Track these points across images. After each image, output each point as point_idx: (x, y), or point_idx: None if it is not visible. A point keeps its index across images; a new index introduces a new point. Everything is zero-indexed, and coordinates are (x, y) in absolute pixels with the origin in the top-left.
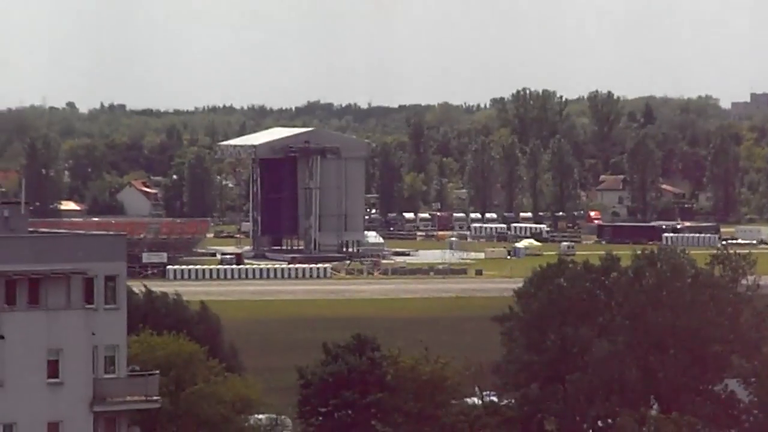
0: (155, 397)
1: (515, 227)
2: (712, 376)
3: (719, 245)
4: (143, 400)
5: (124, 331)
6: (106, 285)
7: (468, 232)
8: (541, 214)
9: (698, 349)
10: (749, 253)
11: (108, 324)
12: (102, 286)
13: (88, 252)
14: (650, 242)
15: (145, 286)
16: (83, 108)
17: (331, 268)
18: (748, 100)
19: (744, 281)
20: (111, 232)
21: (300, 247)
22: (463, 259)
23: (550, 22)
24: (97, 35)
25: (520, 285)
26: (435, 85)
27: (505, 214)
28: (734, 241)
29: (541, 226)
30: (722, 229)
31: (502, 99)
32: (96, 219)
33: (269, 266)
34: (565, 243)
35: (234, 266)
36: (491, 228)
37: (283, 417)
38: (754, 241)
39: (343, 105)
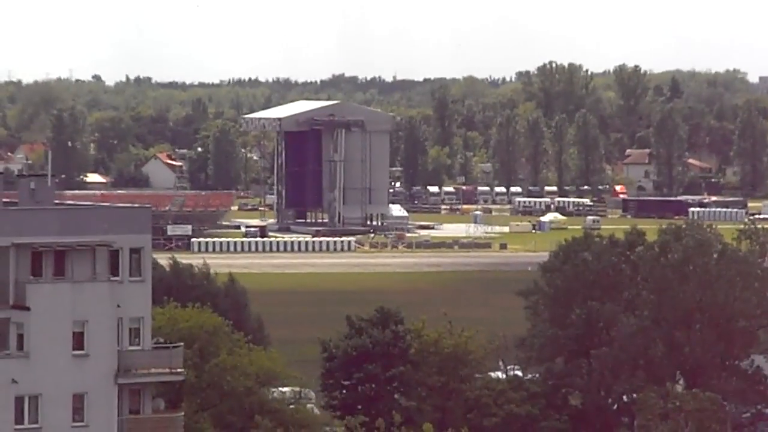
0: (179, 370)
1: (539, 201)
2: (738, 351)
3: (746, 220)
4: (167, 373)
5: (149, 303)
6: (131, 257)
7: (493, 206)
8: (566, 188)
9: (724, 324)
10: None
11: (133, 296)
12: (127, 259)
13: (113, 224)
14: (676, 217)
15: (172, 257)
16: (109, 81)
17: (355, 242)
18: None
19: None
20: (136, 204)
21: (324, 220)
22: (487, 233)
23: None
24: (123, 8)
25: (545, 259)
26: (460, 59)
27: (530, 187)
28: (761, 216)
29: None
30: (749, 204)
31: (527, 72)
32: (122, 191)
33: (293, 239)
34: (590, 217)
35: (258, 239)
36: (519, 201)
37: (306, 390)
38: None
39: (368, 78)
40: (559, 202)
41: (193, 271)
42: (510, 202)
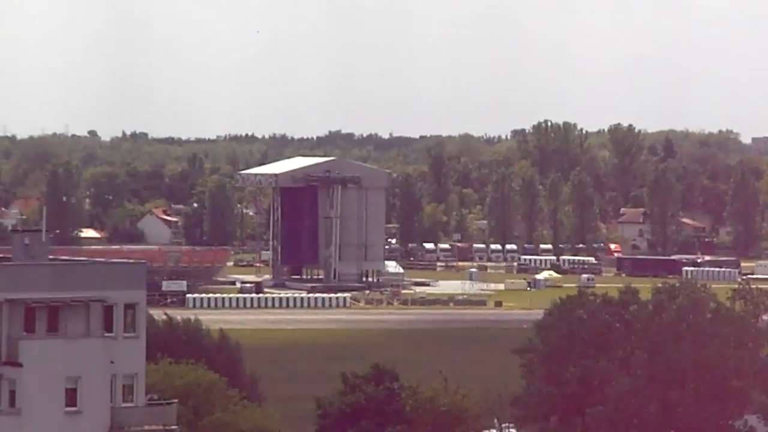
0: (173, 427)
1: (534, 259)
2: (732, 411)
3: (740, 280)
4: (161, 430)
5: (143, 359)
6: (126, 313)
7: (489, 263)
8: (561, 246)
9: (718, 384)
10: None
11: (127, 352)
12: (121, 314)
13: (108, 280)
14: (670, 276)
15: (166, 314)
16: (105, 136)
17: (351, 298)
18: None
19: (765, 317)
20: (131, 260)
21: (320, 277)
22: (482, 290)
23: (571, 54)
24: (120, 63)
25: (540, 317)
26: (455, 116)
27: (525, 245)
28: (753, 276)
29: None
30: (742, 264)
31: (522, 131)
32: (116, 247)
33: (289, 295)
34: (585, 275)
35: (254, 295)
36: (519, 258)
37: None
38: None
39: (365, 135)
40: (556, 259)
41: (188, 327)
42: (505, 260)
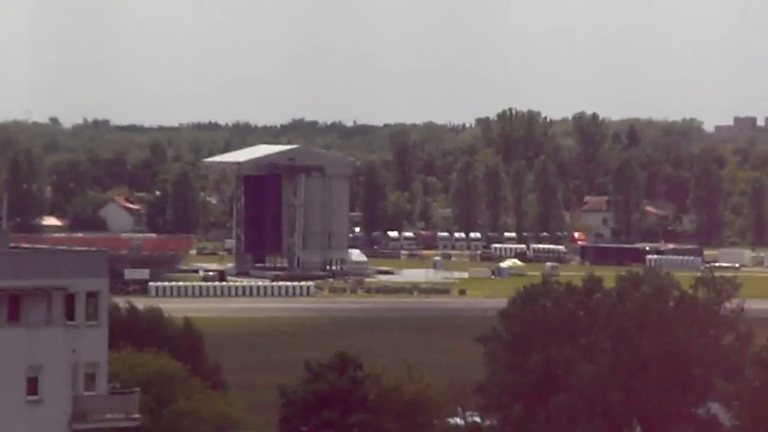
0: (135, 415)
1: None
2: (694, 399)
3: (703, 268)
4: (123, 418)
5: (105, 348)
6: (88, 301)
7: (453, 252)
8: (525, 234)
9: (681, 371)
10: (735, 277)
11: (89, 341)
12: (83, 303)
13: (70, 268)
14: (634, 264)
15: (129, 302)
16: (67, 123)
17: (315, 286)
18: (732, 123)
19: (728, 304)
20: (93, 248)
21: (283, 265)
22: (446, 278)
23: (535, 42)
24: (82, 50)
25: (504, 305)
26: (419, 104)
27: (489, 233)
28: (716, 264)
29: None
30: (705, 252)
31: (487, 119)
32: (78, 235)
33: (252, 284)
34: (549, 263)
35: (217, 283)
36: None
37: None
38: (737, 265)
39: (328, 123)
40: (526, 248)
41: (151, 316)
42: (469, 248)
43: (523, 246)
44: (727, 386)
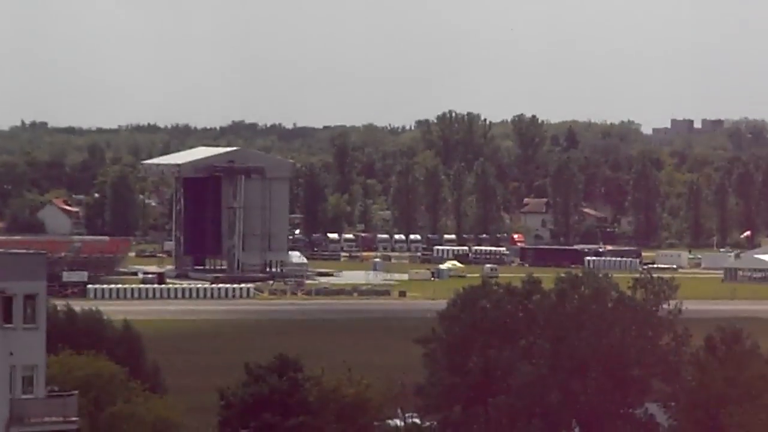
0: (74, 418)
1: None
2: (632, 399)
3: (641, 269)
4: (61, 421)
5: (43, 351)
6: (26, 304)
7: (393, 253)
8: (464, 236)
9: (619, 372)
10: (672, 278)
11: (26, 343)
12: (21, 305)
13: (7, 270)
14: (572, 265)
15: (67, 305)
16: (4, 125)
17: (255, 288)
18: (669, 125)
19: (665, 306)
20: (31, 250)
21: (223, 267)
22: (386, 280)
23: (475, 45)
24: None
25: (444, 307)
26: (359, 107)
27: (429, 235)
28: (654, 266)
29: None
30: (643, 254)
31: (426, 121)
32: (16, 237)
33: (192, 286)
34: (488, 265)
35: (156, 285)
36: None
37: None
38: (674, 266)
39: (268, 125)
40: (468, 249)
41: (89, 318)
42: (409, 250)
43: (463, 248)
44: (665, 387)
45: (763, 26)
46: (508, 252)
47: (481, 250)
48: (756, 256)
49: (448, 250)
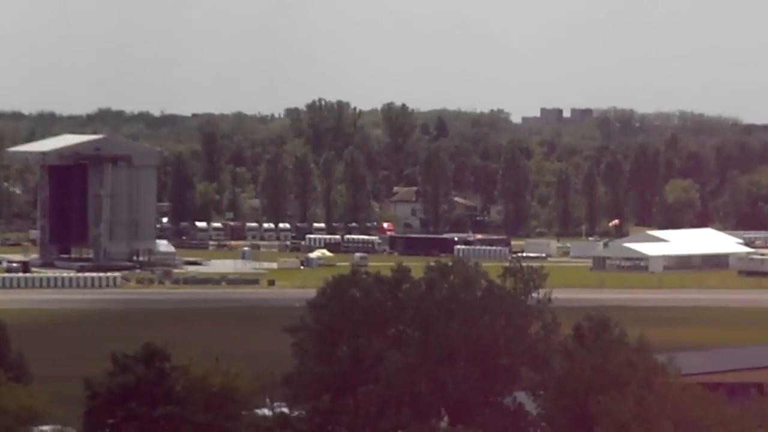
0: None
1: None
2: (501, 388)
3: (510, 258)
4: None
5: None
6: None
7: (262, 242)
8: (334, 224)
9: (488, 361)
10: (541, 267)
11: None
12: None
13: None
14: (442, 254)
15: None
16: None
17: (121, 277)
18: (538, 114)
19: (535, 294)
20: None
21: (89, 256)
22: (255, 268)
23: (343, 32)
24: None
25: (313, 296)
26: (228, 95)
27: (299, 224)
28: (524, 255)
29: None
30: (513, 242)
31: (296, 109)
32: None
33: (57, 275)
34: (358, 254)
35: (21, 274)
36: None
37: (68, 428)
38: (543, 255)
39: (135, 113)
40: (341, 239)
41: None
42: (278, 238)
43: (333, 236)
44: (533, 375)
45: (630, 17)
46: (381, 241)
47: (353, 238)
48: (624, 244)
49: (317, 238)
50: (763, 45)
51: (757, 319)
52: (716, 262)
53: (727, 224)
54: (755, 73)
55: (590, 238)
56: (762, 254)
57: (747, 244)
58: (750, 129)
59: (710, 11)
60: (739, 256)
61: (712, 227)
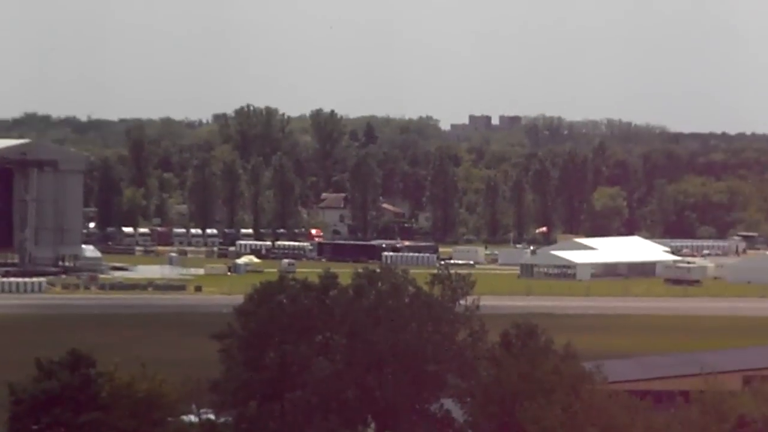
0: None
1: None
2: (428, 395)
3: (438, 265)
4: None
5: None
6: None
7: (189, 248)
8: (262, 230)
9: (415, 368)
10: (469, 274)
11: None
12: None
13: None
14: (370, 261)
15: None
16: None
17: (47, 282)
18: (467, 122)
19: (462, 301)
20: None
21: (14, 261)
22: (182, 274)
23: (273, 38)
24: None
25: (240, 302)
26: (156, 100)
27: (226, 230)
28: (452, 262)
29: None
30: (441, 249)
31: (224, 115)
32: None
33: None
34: (285, 260)
35: None
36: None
37: None
38: (471, 262)
39: (62, 117)
40: (271, 245)
41: None
42: (206, 244)
43: (263, 243)
44: (461, 382)
45: (559, 26)
46: (311, 247)
47: (284, 245)
48: (552, 252)
49: (245, 244)
50: (690, 54)
51: (683, 327)
52: (643, 269)
53: (654, 232)
54: (682, 81)
55: (518, 246)
56: (688, 262)
57: (674, 252)
58: (677, 137)
59: (639, 20)
60: (665, 264)
61: (639, 235)
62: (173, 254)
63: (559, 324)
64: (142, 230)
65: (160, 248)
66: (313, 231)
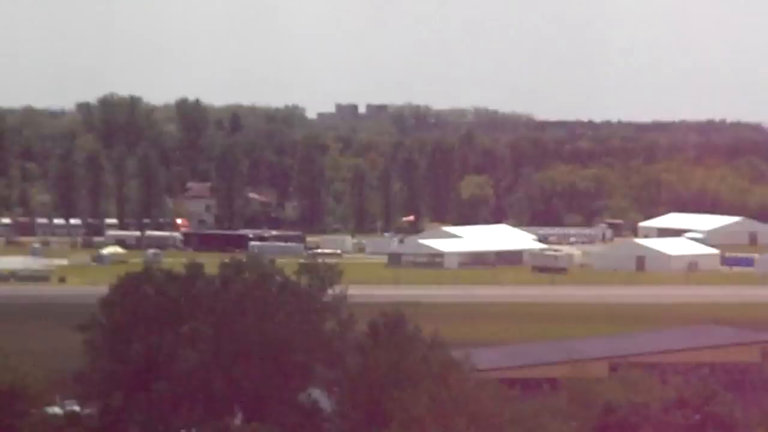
0: None
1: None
2: (296, 384)
3: (305, 254)
4: None
5: None
6: None
7: (53, 238)
8: (127, 221)
9: (283, 357)
10: (337, 263)
11: None
12: None
13: None
14: (237, 250)
15: None
16: None
17: None
18: (334, 110)
19: (330, 291)
20: None
21: None
22: (46, 265)
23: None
24: None
25: (105, 293)
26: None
27: (90, 220)
28: (319, 251)
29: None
30: (308, 239)
31: (87, 104)
32: None
33: None
34: (151, 250)
35: None
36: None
37: None
38: (339, 251)
39: None
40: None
41: None
42: (69, 235)
43: (130, 233)
44: (328, 372)
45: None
46: (182, 237)
47: (152, 235)
48: (419, 241)
49: (113, 235)
50: (556, 43)
51: (551, 315)
52: (510, 258)
53: (521, 220)
54: (548, 70)
55: (386, 234)
56: (555, 250)
57: (541, 240)
58: (543, 125)
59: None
60: (532, 252)
61: (506, 223)
62: (36, 245)
63: (427, 313)
64: (3, 220)
65: (23, 239)
66: (179, 221)
